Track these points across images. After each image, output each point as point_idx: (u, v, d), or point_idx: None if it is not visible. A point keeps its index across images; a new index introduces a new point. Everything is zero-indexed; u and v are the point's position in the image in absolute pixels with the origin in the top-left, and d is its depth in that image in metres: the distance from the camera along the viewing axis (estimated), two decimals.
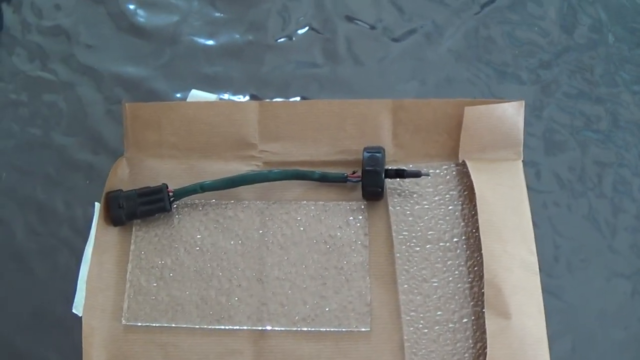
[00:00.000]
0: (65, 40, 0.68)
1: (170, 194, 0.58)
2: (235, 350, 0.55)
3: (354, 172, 0.58)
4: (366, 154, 0.57)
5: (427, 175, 0.58)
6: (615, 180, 0.62)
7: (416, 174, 0.57)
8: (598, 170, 0.62)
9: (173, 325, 0.56)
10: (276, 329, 0.55)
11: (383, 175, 0.56)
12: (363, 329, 0.55)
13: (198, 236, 0.58)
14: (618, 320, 0.58)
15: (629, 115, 0.64)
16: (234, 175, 0.58)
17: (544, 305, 0.54)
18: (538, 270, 0.55)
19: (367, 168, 0.56)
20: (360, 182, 0.57)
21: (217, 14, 0.69)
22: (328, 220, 0.59)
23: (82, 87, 0.66)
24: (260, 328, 0.55)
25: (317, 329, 0.55)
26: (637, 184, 0.62)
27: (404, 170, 0.57)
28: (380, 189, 0.57)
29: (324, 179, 0.58)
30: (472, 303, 0.55)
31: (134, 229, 0.59)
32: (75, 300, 0.56)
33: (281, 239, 0.58)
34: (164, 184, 0.58)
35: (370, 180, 0.56)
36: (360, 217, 0.58)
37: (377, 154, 0.57)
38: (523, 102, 0.59)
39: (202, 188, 0.58)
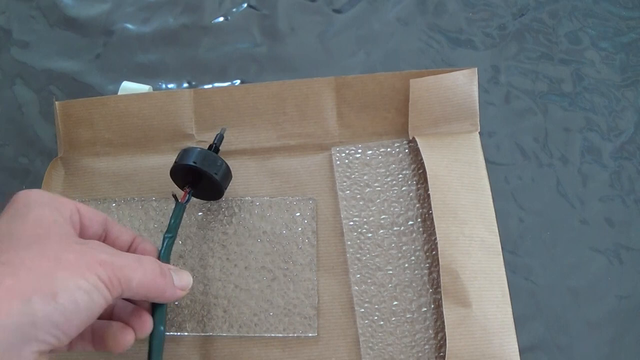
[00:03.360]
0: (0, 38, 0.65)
1: None
2: (182, 355, 0.52)
3: None
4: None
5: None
6: (583, 147, 0.58)
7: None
8: (564, 137, 0.58)
9: None
10: (218, 334, 0.52)
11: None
12: (310, 334, 0.52)
13: None
14: (592, 298, 0.54)
15: (595, 74, 0.60)
16: None
17: (510, 287, 0.50)
18: (500, 250, 0.51)
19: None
20: None
21: None
22: (273, 217, 0.55)
23: (16, 86, 0.63)
24: (202, 334, 0.52)
25: (260, 335, 0.52)
26: (607, 149, 0.58)
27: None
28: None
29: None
30: (430, 290, 0.52)
31: None
32: None
33: (223, 237, 0.54)
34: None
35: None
36: (308, 214, 0.55)
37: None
38: (475, 70, 0.55)
39: None
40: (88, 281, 0.36)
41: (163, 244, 0.48)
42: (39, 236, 0.38)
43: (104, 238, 0.45)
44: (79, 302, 0.36)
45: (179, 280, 0.44)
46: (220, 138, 0.53)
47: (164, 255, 0.48)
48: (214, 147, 0.53)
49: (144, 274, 0.40)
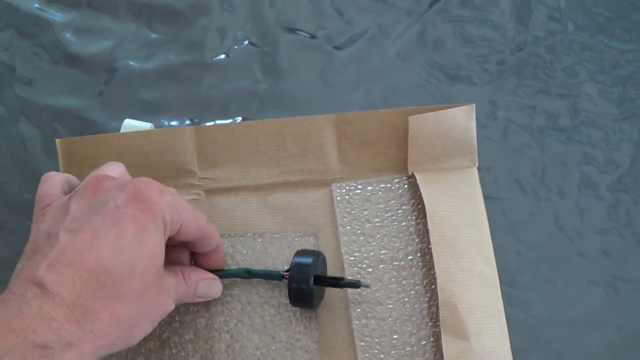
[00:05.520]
0: (3, 75, 0.66)
1: None
2: None
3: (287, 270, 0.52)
4: (294, 261, 0.51)
5: (367, 286, 0.52)
6: (580, 181, 0.58)
7: (355, 284, 0.51)
8: (562, 171, 0.59)
9: None
10: None
11: (311, 287, 0.50)
12: None
13: None
14: (590, 330, 0.54)
15: (592, 108, 0.61)
16: None
17: (508, 320, 0.51)
18: (498, 283, 0.52)
19: (292, 284, 0.50)
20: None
21: (153, 35, 0.66)
22: (275, 253, 0.56)
23: (20, 123, 0.63)
24: None
25: None
26: (604, 182, 0.58)
27: (340, 278, 0.51)
28: (310, 303, 0.51)
29: (259, 276, 0.54)
30: (430, 324, 0.52)
31: None
32: None
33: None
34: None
35: (296, 295, 0.51)
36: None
37: (307, 261, 0.51)
38: (474, 106, 0.56)
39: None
40: None
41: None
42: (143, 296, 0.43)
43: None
44: None
45: (206, 290, 0.51)
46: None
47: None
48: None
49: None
